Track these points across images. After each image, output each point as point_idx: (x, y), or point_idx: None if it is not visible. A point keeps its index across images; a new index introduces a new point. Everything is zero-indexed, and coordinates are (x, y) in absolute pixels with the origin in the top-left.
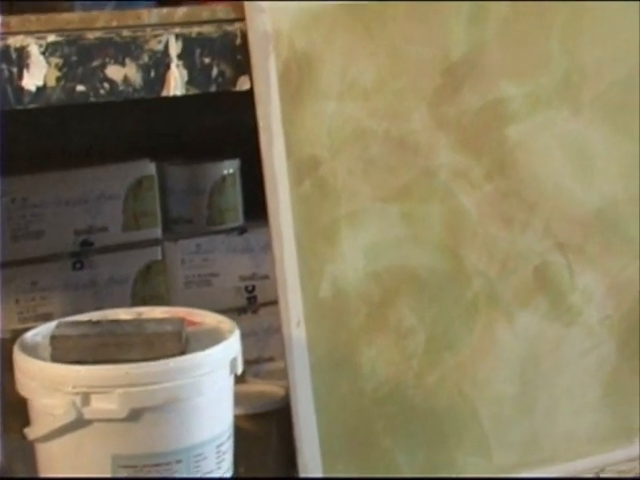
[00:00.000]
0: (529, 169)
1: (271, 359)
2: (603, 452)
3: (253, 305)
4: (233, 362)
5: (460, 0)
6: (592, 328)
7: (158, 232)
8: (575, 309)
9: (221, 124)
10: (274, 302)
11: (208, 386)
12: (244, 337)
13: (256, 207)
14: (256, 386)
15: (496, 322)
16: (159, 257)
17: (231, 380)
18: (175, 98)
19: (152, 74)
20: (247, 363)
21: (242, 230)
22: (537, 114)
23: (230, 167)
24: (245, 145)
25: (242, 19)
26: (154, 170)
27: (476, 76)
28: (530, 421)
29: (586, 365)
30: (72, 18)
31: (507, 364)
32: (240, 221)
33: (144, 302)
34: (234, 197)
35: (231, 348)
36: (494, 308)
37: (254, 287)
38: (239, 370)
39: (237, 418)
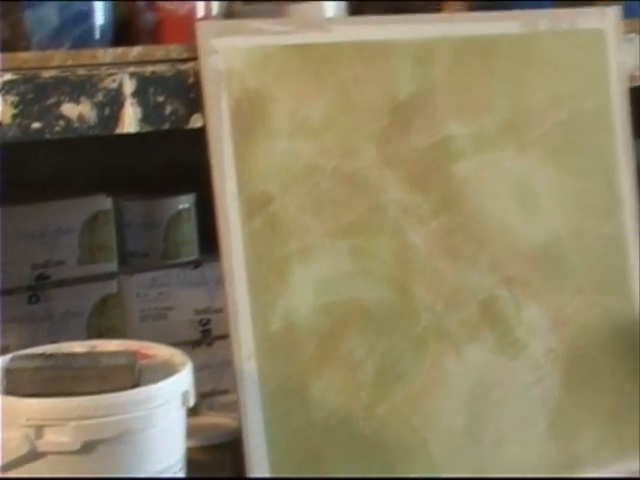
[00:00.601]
0: (476, 206)
1: (225, 392)
2: None
3: (208, 338)
4: (185, 394)
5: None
6: (537, 361)
7: (114, 266)
8: (521, 342)
9: (178, 159)
10: (228, 335)
11: (161, 418)
12: (199, 370)
13: (211, 241)
14: (210, 418)
15: (444, 355)
16: (115, 291)
17: (183, 412)
18: (132, 134)
19: (107, 112)
20: (202, 396)
21: (197, 264)
22: (483, 153)
23: (186, 202)
24: (201, 180)
25: (195, 58)
26: (110, 205)
27: (423, 116)
28: (478, 451)
29: (532, 397)
30: (28, 57)
31: (455, 396)
32: (195, 255)
33: (100, 335)
34: (190, 231)
35: (183, 381)
36: (442, 341)
37: (209, 320)
38: (191, 402)
39: (190, 450)
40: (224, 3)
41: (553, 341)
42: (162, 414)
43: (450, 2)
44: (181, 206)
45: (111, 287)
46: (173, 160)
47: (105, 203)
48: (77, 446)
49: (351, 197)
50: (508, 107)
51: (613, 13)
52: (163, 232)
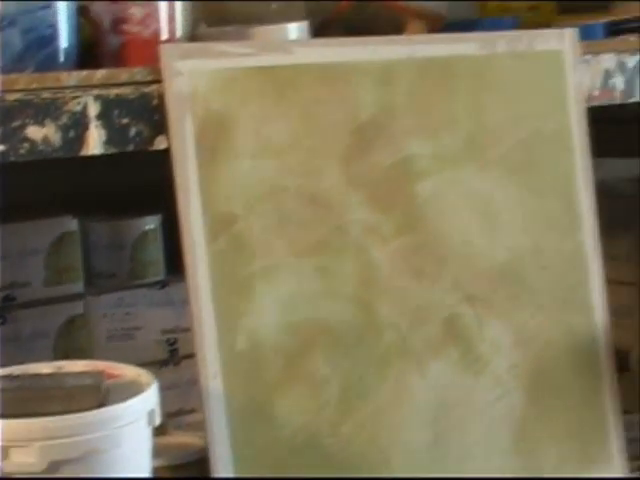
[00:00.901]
0: (438, 224)
1: (193, 411)
2: None
3: (175, 357)
4: (151, 414)
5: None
6: (500, 377)
7: (80, 287)
8: (484, 359)
9: (144, 180)
10: (195, 355)
11: (126, 438)
12: (166, 389)
13: (178, 261)
14: (177, 438)
15: (408, 372)
16: (81, 311)
17: (149, 432)
18: (99, 155)
19: (71, 134)
20: (169, 415)
21: (164, 284)
22: (445, 172)
23: (151, 223)
24: (167, 200)
25: (159, 81)
26: (76, 226)
27: (385, 136)
28: (443, 467)
29: (495, 413)
30: None
31: (419, 413)
32: (162, 275)
33: (67, 356)
34: (156, 252)
35: (149, 400)
36: (406, 359)
37: (176, 340)
38: (157, 421)
39: (158, 470)
40: (188, 26)
41: (516, 357)
42: (128, 434)
43: (411, 24)
44: (147, 227)
45: (78, 308)
46: (139, 181)
47: (71, 224)
48: (43, 466)
49: (315, 217)
50: (469, 127)
51: (570, 35)
52: (129, 253)
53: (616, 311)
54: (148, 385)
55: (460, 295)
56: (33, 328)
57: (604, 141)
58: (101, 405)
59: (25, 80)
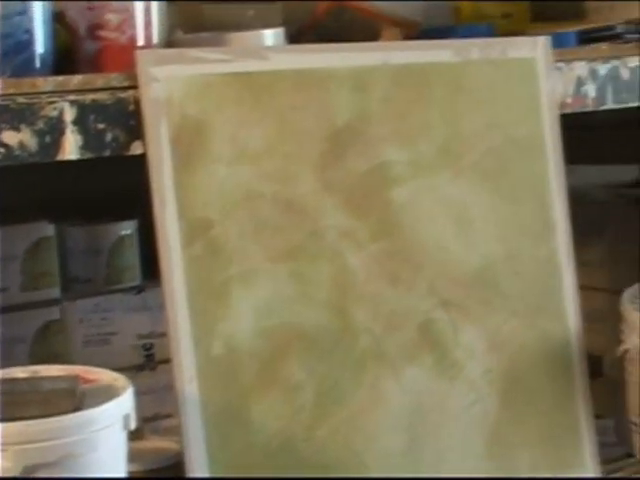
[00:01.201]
0: (413, 230)
1: (169, 416)
2: None
3: (151, 362)
4: (126, 418)
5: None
6: (474, 382)
7: (57, 292)
8: (458, 364)
9: (120, 185)
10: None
11: (102, 442)
12: (142, 394)
13: (154, 267)
14: (153, 442)
15: (383, 377)
16: (58, 316)
17: (124, 436)
18: (75, 161)
19: (47, 139)
20: (145, 420)
21: (140, 289)
22: (419, 178)
23: (128, 228)
24: (144, 206)
25: (135, 87)
26: (53, 231)
27: (360, 142)
28: (417, 472)
29: (470, 417)
30: None
31: (394, 418)
32: (138, 280)
33: (43, 361)
34: (132, 257)
35: (124, 404)
36: (381, 363)
37: (152, 345)
38: (132, 426)
39: (134, 474)
40: (164, 32)
41: (490, 362)
42: (103, 438)
43: (386, 31)
44: (123, 232)
45: (54, 313)
46: (115, 187)
47: (48, 229)
48: (18, 470)
49: (291, 222)
50: (443, 133)
51: (543, 43)
52: (106, 258)
53: (589, 316)
54: (124, 389)
55: (435, 300)
56: (9, 333)
57: (577, 148)
58: (77, 409)
59: (1, 85)
